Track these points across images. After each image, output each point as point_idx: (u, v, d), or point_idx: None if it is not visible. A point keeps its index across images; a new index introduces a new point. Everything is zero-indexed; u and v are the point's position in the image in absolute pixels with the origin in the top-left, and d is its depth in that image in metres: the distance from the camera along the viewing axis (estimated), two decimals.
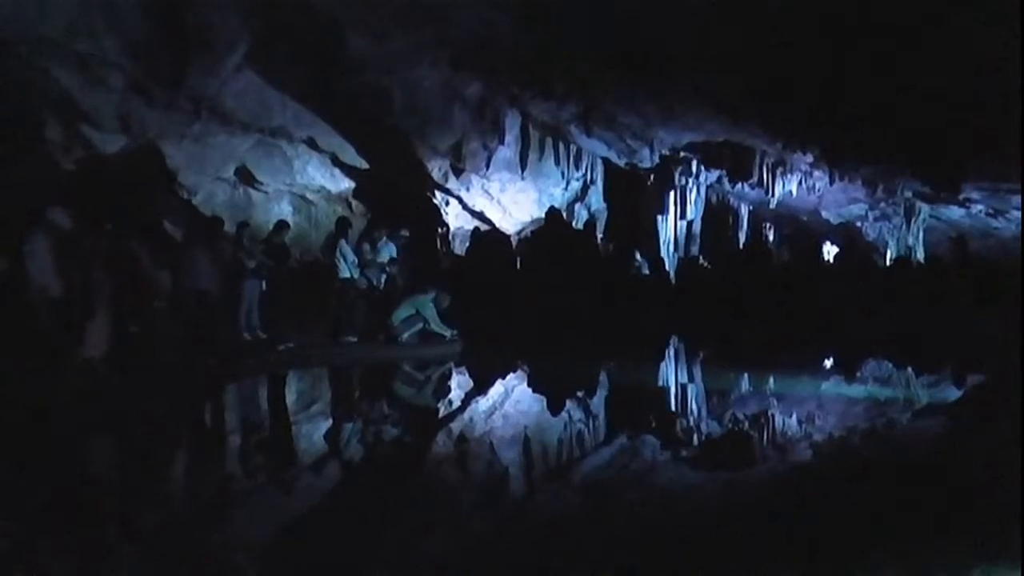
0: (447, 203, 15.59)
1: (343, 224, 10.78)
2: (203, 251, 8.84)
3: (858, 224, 18.24)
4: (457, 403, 7.71)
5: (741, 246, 17.85)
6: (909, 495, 4.41)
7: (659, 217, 16.52)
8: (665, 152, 15.21)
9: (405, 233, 11.54)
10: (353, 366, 9.71)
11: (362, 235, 11.06)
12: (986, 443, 5.92)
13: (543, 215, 15.82)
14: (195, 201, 13.73)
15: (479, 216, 15.89)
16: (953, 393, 8.68)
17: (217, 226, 9.99)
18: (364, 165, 14.27)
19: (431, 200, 15.49)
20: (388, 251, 11.04)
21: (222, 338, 8.99)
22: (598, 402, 7.83)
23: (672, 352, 11.95)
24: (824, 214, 17.99)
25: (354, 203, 15.67)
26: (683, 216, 16.69)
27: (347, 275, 10.29)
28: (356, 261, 10.42)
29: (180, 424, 6.74)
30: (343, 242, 10.32)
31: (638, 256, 16.14)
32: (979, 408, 7.71)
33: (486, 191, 15.20)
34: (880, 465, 5.23)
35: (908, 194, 16.21)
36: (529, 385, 8.87)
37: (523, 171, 14.83)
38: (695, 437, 6.14)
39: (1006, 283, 14.17)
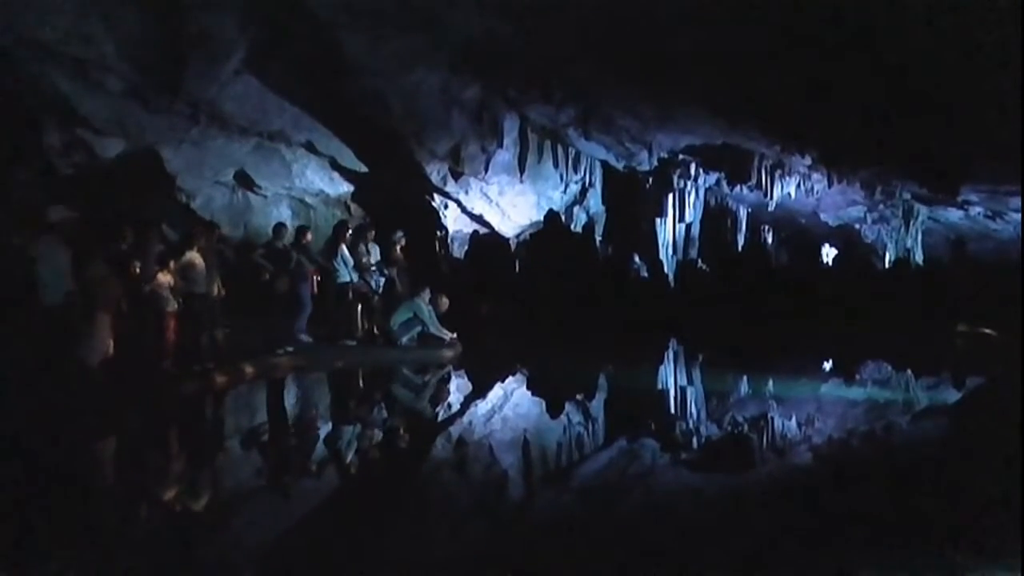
0: (446, 206, 15.57)
1: (342, 228, 10.78)
2: (203, 255, 8.82)
3: (857, 226, 18.21)
4: (456, 406, 7.71)
5: (740, 249, 17.84)
6: (909, 498, 4.41)
7: (658, 220, 16.50)
8: (663, 155, 15.20)
9: (400, 235, 11.55)
10: (353, 370, 9.70)
11: (355, 238, 10.99)
12: (986, 444, 5.91)
13: (542, 218, 15.82)
14: (194, 205, 13.69)
15: (478, 219, 15.87)
16: (952, 395, 8.68)
17: (215, 230, 9.99)
18: (363, 169, 14.25)
19: (430, 203, 15.48)
20: (376, 254, 11.08)
21: (219, 343, 8.97)
22: (597, 405, 7.82)
23: (671, 355, 11.95)
24: (823, 216, 17.97)
25: (353, 207, 15.65)
26: (682, 219, 16.67)
27: (347, 279, 10.29)
28: (355, 264, 10.43)
29: (179, 430, 6.73)
30: (343, 247, 10.32)
31: (637, 259, 16.14)
32: (978, 410, 7.71)
33: (485, 194, 15.18)
34: (879, 467, 5.23)
35: (907, 196, 16.21)
36: (528, 388, 8.86)
37: (522, 174, 14.81)
38: (695, 440, 6.14)
39: (1005, 284, 14.21)
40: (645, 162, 15.28)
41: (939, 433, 6.65)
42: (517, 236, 16.42)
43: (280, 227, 10.78)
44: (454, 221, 15.93)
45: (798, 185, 15.42)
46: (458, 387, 8.94)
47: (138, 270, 7.96)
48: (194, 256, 8.52)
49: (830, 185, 15.08)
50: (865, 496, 4.45)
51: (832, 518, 4.01)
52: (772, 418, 6.89)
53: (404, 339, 10.23)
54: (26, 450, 5.51)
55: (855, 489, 4.64)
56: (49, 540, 3.75)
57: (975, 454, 5.63)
